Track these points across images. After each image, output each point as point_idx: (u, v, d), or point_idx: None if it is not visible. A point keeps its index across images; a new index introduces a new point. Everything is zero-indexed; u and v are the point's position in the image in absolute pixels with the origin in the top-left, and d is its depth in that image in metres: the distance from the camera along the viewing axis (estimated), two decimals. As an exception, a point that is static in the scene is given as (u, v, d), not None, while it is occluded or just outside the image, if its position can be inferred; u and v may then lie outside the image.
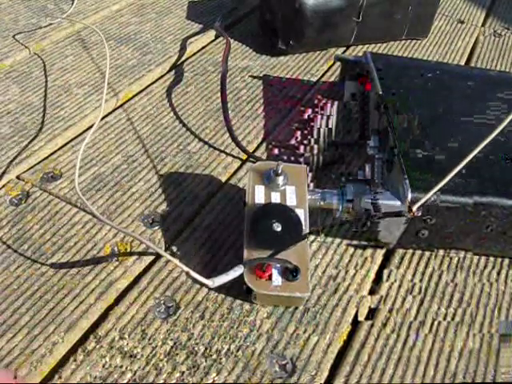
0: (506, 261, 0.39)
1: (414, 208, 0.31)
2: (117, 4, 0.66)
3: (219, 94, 0.50)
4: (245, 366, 0.30)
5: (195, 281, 0.34)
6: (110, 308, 0.33)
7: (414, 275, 0.37)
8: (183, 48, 0.59)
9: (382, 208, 0.34)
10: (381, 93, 0.42)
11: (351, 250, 0.38)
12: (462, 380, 0.32)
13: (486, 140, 0.26)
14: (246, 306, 0.33)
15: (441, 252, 0.39)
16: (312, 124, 0.50)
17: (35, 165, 0.43)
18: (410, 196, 0.33)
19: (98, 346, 0.30)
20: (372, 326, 0.34)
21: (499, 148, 0.39)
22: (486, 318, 0.35)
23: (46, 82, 0.51)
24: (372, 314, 0.34)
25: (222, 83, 0.48)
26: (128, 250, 0.36)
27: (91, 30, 0.60)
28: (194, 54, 0.58)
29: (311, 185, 0.42)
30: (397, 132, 0.38)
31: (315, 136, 0.48)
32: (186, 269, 0.27)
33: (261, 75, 0.56)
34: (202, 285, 0.34)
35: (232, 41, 0.61)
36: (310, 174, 0.44)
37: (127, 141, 0.46)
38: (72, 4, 0.64)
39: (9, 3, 0.63)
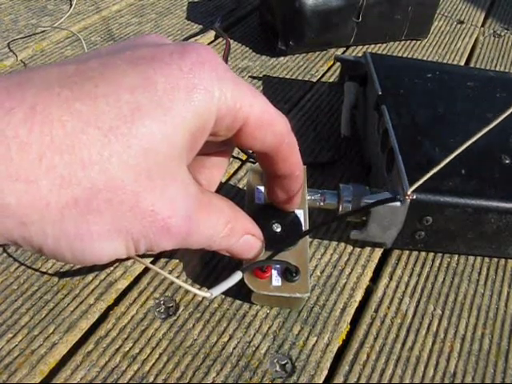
0: (502, 261, 0.39)
1: (409, 191, 0.32)
2: (117, 4, 0.66)
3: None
4: (245, 365, 0.31)
5: (195, 281, 0.34)
6: (110, 308, 0.33)
7: (410, 276, 0.37)
8: (183, 48, 0.59)
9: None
10: (380, 93, 0.42)
11: (349, 249, 0.38)
12: (462, 380, 0.32)
13: (489, 126, 0.26)
14: (246, 306, 0.33)
15: (438, 253, 0.39)
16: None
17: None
18: (406, 179, 0.33)
19: (97, 346, 0.30)
20: (371, 325, 0.34)
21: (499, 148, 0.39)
22: (481, 320, 0.35)
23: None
24: (371, 313, 0.35)
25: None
26: (128, 250, 0.36)
27: (91, 31, 0.60)
28: (194, 54, 0.58)
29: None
30: (396, 132, 0.38)
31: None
32: (184, 285, 0.26)
33: (260, 75, 0.56)
34: (202, 285, 0.34)
35: (232, 41, 0.61)
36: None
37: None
38: (71, 5, 0.64)
39: (9, 3, 0.63)
